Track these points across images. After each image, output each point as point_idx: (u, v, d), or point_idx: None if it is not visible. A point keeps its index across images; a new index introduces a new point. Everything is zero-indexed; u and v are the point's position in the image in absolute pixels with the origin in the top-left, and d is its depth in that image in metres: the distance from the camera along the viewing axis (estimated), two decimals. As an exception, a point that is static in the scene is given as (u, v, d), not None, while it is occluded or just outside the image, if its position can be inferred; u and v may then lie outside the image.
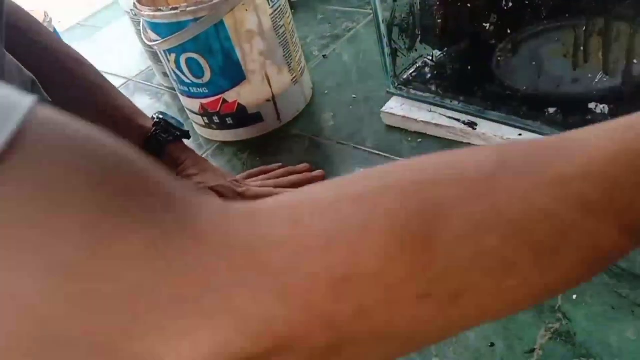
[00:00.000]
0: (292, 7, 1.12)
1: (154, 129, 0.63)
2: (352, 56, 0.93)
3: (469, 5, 0.63)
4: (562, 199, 0.19)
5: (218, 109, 0.77)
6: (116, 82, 1.07)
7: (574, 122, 0.60)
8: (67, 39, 0.90)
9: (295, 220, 0.18)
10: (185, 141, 0.67)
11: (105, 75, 1.13)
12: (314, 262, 0.17)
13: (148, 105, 0.97)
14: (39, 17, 0.80)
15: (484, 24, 0.66)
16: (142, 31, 0.75)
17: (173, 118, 0.65)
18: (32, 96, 0.17)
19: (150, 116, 0.65)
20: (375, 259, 0.18)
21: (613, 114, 0.57)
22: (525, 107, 0.64)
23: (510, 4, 0.64)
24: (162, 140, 0.63)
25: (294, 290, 0.17)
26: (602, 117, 0.59)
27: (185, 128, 0.66)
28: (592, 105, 0.60)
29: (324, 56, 0.95)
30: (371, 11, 1.02)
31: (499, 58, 0.68)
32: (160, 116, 0.64)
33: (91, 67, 0.63)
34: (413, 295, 0.18)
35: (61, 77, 0.59)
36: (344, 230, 0.18)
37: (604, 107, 0.59)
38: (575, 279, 0.20)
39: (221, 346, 0.17)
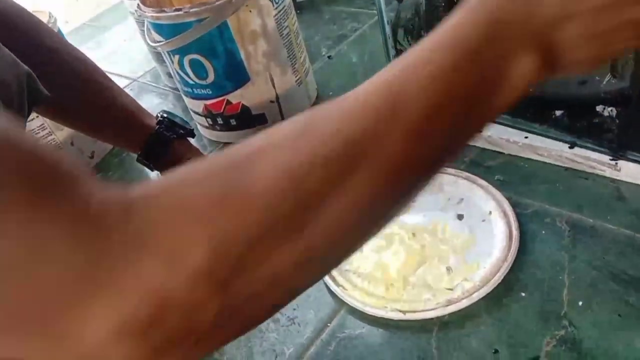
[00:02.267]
0: (297, 8, 1.12)
1: (157, 126, 0.62)
2: (357, 57, 0.93)
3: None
4: (359, 125, 0.24)
5: (222, 110, 0.76)
6: (121, 83, 1.07)
7: (581, 125, 0.59)
8: (73, 40, 0.90)
9: (180, 196, 0.22)
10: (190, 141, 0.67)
11: (111, 76, 1.13)
12: (193, 228, 0.21)
13: (153, 105, 0.97)
14: (44, 18, 0.80)
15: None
16: (146, 32, 0.74)
17: (178, 116, 0.65)
18: None
19: (155, 114, 0.65)
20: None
21: (620, 117, 0.56)
22: (531, 110, 0.63)
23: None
24: (165, 137, 0.62)
25: (178, 254, 0.20)
26: (610, 120, 0.58)
27: (190, 127, 0.66)
28: (599, 108, 0.59)
29: (329, 57, 0.95)
30: (376, 12, 1.01)
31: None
32: (165, 114, 0.64)
33: (96, 67, 0.63)
34: (267, 230, 0.22)
35: (67, 78, 0.59)
36: (223, 195, 0.22)
37: (611, 110, 0.58)
38: (387, 191, 0.24)
39: (124, 317, 0.20)
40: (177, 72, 0.75)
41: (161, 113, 0.64)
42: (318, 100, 0.84)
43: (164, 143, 0.62)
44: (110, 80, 0.63)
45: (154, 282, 0.20)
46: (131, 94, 1.03)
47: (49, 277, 0.19)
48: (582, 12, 0.25)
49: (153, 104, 0.98)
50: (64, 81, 0.59)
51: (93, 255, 0.20)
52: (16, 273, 0.19)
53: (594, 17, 0.25)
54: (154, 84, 1.04)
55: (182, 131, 0.63)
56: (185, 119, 0.65)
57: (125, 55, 1.18)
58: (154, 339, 0.20)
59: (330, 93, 0.85)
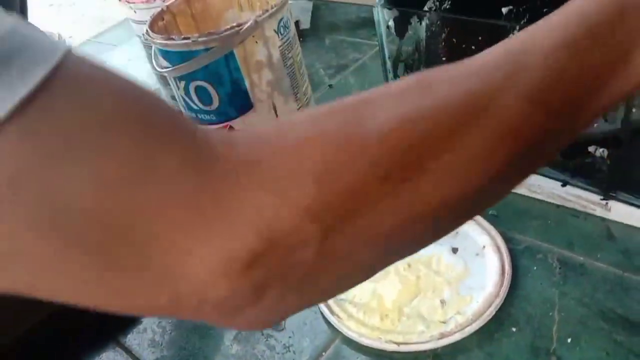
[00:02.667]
0: (300, 36, 1.14)
1: None
2: (357, 87, 0.95)
3: (472, 47, 0.65)
4: (479, 82, 0.23)
5: (224, 136, 0.78)
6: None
7: (573, 164, 0.61)
8: None
9: (282, 136, 0.22)
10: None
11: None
12: (304, 165, 0.21)
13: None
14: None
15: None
16: (152, 57, 0.76)
17: None
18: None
19: None
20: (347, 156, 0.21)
21: (611, 159, 0.58)
22: (526, 147, 0.65)
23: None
24: None
25: (288, 190, 0.20)
26: (601, 161, 0.60)
27: None
28: (591, 149, 0.61)
29: (330, 86, 0.97)
30: (378, 45, 1.04)
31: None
32: None
33: None
34: (377, 178, 0.21)
35: None
36: (323, 134, 0.22)
37: (603, 151, 0.60)
38: (499, 161, 0.23)
39: (230, 250, 0.19)
40: (182, 97, 0.77)
41: None
42: (318, 128, 0.86)
43: None
44: None
45: (263, 216, 0.20)
46: (134, 114, 1.05)
47: (156, 199, 0.19)
48: None
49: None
50: None
51: (201, 183, 0.19)
52: (122, 191, 0.18)
53: None
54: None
55: None
56: None
57: (129, 76, 1.20)
58: (256, 276, 0.20)
59: (331, 121, 0.87)
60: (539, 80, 0.23)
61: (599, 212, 0.59)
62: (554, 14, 0.26)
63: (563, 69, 0.24)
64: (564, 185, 0.62)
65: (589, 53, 0.25)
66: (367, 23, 1.15)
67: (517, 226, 0.60)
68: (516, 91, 0.23)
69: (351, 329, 0.53)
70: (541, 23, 0.26)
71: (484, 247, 0.58)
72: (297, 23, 1.14)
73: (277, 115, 0.78)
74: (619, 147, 0.58)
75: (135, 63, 1.23)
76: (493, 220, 0.61)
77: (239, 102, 0.75)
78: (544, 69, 0.24)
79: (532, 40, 0.25)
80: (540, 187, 0.62)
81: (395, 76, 0.73)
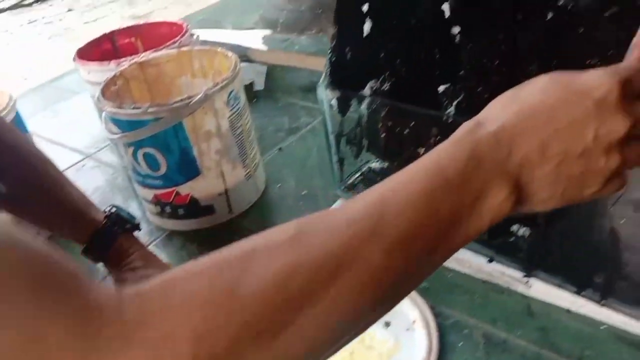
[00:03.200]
0: (254, 96, 1.18)
1: (105, 221, 0.65)
2: (306, 151, 0.98)
3: (407, 130, 0.69)
4: (347, 235, 0.27)
5: (171, 200, 0.80)
6: (75, 158, 1.09)
7: (498, 242, 0.65)
8: (31, 106, 0.91)
9: (165, 296, 0.24)
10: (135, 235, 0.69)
11: (66, 150, 1.15)
12: (180, 326, 0.23)
13: (103, 184, 0.99)
14: (3, 99, 0.82)
15: (422, 145, 0.72)
16: (103, 120, 0.78)
17: (125, 211, 0.68)
18: None
19: (104, 209, 0.67)
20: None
21: (532, 238, 0.63)
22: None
23: (450, 120, 0.70)
24: (111, 232, 0.65)
25: (168, 352, 0.23)
26: (523, 240, 0.64)
27: (137, 221, 0.69)
28: (514, 228, 0.65)
29: (279, 149, 1.00)
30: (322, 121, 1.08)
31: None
32: (113, 209, 0.67)
33: (50, 162, 0.65)
34: (251, 338, 0.24)
35: (23, 172, 0.62)
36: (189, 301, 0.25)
37: (525, 230, 0.65)
38: (363, 307, 0.27)
39: None
40: (131, 162, 0.78)
41: (110, 207, 0.66)
42: (266, 191, 0.89)
43: (109, 238, 0.64)
44: (62, 175, 0.66)
45: None
46: (84, 170, 1.05)
47: None
48: (553, 159, 0.30)
49: (104, 183, 1.00)
50: (19, 174, 0.61)
51: (87, 350, 0.22)
52: None
53: (564, 165, 0.30)
54: (107, 162, 1.06)
55: (128, 226, 0.66)
56: (132, 214, 0.68)
57: (82, 129, 1.20)
58: None
59: (279, 185, 0.90)
60: (399, 232, 0.27)
61: (520, 289, 0.63)
62: (415, 164, 0.30)
63: (420, 219, 0.28)
64: (490, 261, 0.66)
65: (445, 201, 0.29)
66: (319, 87, 1.20)
67: (446, 300, 0.64)
68: (378, 244, 0.27)
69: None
70: (403, 173, 0.30)
71: (414, 321, 0.61)
72: (251, 84, 1.18)
73: (224, 182, 0.80)
74: (538, 228, 0.63)
75: (89, 115, 1.24)
76: (424, 293, 0.64)
77: (186, 168, 0.77)
78: (404, 220, 0.28)
79: (394, 193, 0.29)
80: (469, 262, 0.66)
81: (338, 150, 0.76)
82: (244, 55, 1.16)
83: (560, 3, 0.58)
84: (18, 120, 0.83)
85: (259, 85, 1.19)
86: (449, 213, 0.29)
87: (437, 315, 0.61)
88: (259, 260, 0.26)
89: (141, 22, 1.16)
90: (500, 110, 0.32)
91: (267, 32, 1.40)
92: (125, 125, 0.73)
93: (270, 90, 1.20)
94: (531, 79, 0.34)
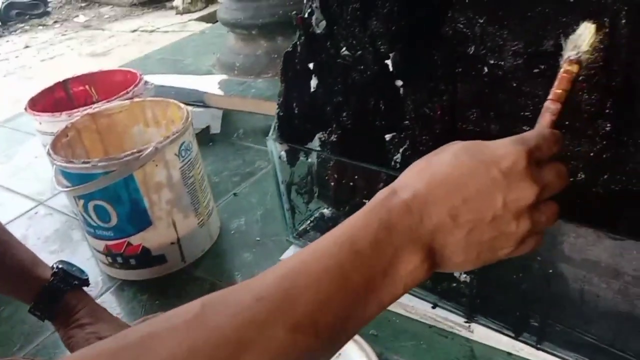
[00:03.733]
0: (210, 140, 1.20)
1: (52, 278, 0.65)
2: (260, 196, 1.00)
3: (352, 182, 0.72)
4: (252, 313, 0.27)
5: (122, 251, 0.79)
6: (27, 205, 1.07)
7: (441, 288, 0.68)
8: None
9: None
10: (90, 279, 0.68)
11: (17, 197, 1.13)
12: None
13: (55, 233, 0.98)
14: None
15: (368, 194, 0.75)
16: (54, 173, 0.78)
17: (74, 266, 0.68)
18: None
19: (51, 265, 0.67)
20: None
21: (473, 284, 0.66)
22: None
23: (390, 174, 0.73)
24: (58, 289, 0.64)
25: None
26: (465, 286, 0.67)
27: (85, 276, 0.68)
28: (456, 274, 0.68)
29: (234, 194, 1.01)
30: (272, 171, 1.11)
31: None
32: (60, 265, 0.66)
33: None
34: None
35: None
36: None
37: (466, 277, 0.68)
38: None
39: None
40: (81, 214, 0.78)
41: (57, 264, 0.66)
42: (220, 238, 0.89)
43: (57, 295, 0.64)
44: (7, 233, 0.66)
45: None
46: (36, 218, 1.04)
47: None
48: (464, 226, 0.32)
49: (57, 230, 0.98)
50: None
51: None
52: None
53: (476, 231, 0.32)
54: (59, 210, 1.04)
55: (75, 282, 0.65)
56: (81, 269, 0.68)
57: (34, 174, 1.19)
58: None
59: (232, 232, 0.91)
60: (306, 307, 0.28)
61: (463, 333, 0.66)
62: (328, 235, 0.31)
63: (330, 291, 0.28)
64: (434, 307, 0.68)
65: (356, 272, 0.29)
66: (275, 130, 1.22)
67: (393, 347, 0.65)
68: (283, 320, 0.27)
69: None
70: (316, 244, 0.30)
71: (362, 369, 0.62)
72: (207, 128, 1.20)
73: (176, 231, 0.81)
74: (476, 273, 0.66)
75: (40, 161, 1.22)
76: (374, 340, 0.65)
77: (137, 219, 0.77)
78: (312, 294, 0.28)
79: (304, 265, 0.29)
80: (414, 308, 0.69)
81: (289, 198, 0.78)
82: (201, 100, 1.18)
83: (492, 62, 0.63)
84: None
85: (215, 129, 1.20)
86: (360, 283, 0.29)
87: (383, 362, 0.63)
88: (156, 346, 0.26)
89: (96, 67, 1.16)
90: (414, 178, 0.34)
91: (224, 76, 1.42)
92: (75, 179, 0.74)
93: (226, 133, 1.22)
94: (445, 145, 0.36)
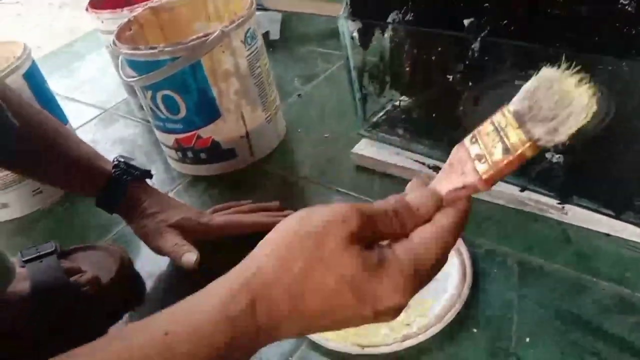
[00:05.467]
0: (270, 46, 1.15)
1: (113, 170, 0.64)
2: (325, 96, 0.96)
3: (433, 57, 0.67)
4: None
5: (192, 144, 0.78)
6: (93, 113, 1.08)
7: (531, 170, 0.63)
8: (46, 67, 0.90)
9: None
10: (159, 178, 0.68)
11: (83, 106, 1.15)
12: None
13: (123, 137, 0.98)
14: (18, 49, 0.81)
15: (450, 75, 0.70)
16: (120, 66, 0.76)
17: (134, 160, 0.67)
18: None
19: (112, 159, 0.67)
20: None
21: (566, 164, 0.61)
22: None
23: (476, 55, 0.68)
24: (122, 181, 0.64)
25: None
26: (558, 167, 0.62)
27: (147, 168, 0.68)
28: (548, 155, 0.63)
29: (298, 95, 0.98)
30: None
31: (463, 105, 0.72)
32: (121, 159, 0.66)
33: (53, 119, 0.66)
34: None
35: (36, 130, 0.62)
36: None
37: (559, 157, 0.62)
38: None
39: None
40: (150, 107, 0.77)
41: (117, 157, 0.66)
42: (287, 137, 0.87)
43: (120, 186, 0.63)
44: (67, 129, 0.66)
45: None
46: (102, 124, 1.04)
47: None
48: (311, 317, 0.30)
49: (124, 135, 0.99)
50: (28, 135, 0.61)
51: None
52: None
53: (309, 304, 0.30)
54: (125, 115, 1.05)
55: (137, 173, 0.65)
56: (141, 165, 0.67)
57: (98, 85, 1.19)
58: None
59: (299, 130, 0.88)
60: None
61: (556, 215, 0.61)
62: (194, 313, 0.30)
63: None
64: (522, 190, 0.64)
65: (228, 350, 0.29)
66: (336, 34, 1.16)
67: (478, 230, 0.62)
68: None
69: (317, 333, 0.54)
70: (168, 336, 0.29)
71: (446, 251, 0.59)
72: (266, 34, 1.15)
73: (245, 124, 0.78)
74: (573, 154, 0.61)
75: (104, 72, 1.23)
76: (455, 226, 0.62)
77: (206, 111, 0.75)
78: None
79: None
80: (499, 192, 0.64)
81: (361, 86, 0.74)
82: (259, 3, 1.13)
83: None
84: (34, 69, 0.82)
85: (275, 35, 1.16)
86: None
87: (469, 244, 0.60)
88: None
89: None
90: (265, 259, 0.31)
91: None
92: (142, 68, 0.72)
93: (285, 39, 1.17)
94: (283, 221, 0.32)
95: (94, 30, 1.56)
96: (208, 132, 0.77)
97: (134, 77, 0.73)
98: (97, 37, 1.48)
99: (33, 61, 0.82)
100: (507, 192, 0.64)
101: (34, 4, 2.78)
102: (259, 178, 0.80)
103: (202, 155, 0.79)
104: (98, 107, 1.10)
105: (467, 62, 0.68)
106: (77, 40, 1.59)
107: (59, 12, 2.55)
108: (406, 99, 0.78)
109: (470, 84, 0.69)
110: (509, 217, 0.63)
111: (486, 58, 0.63)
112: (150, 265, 0.67)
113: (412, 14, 0.71)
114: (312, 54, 1.11)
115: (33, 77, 0.81)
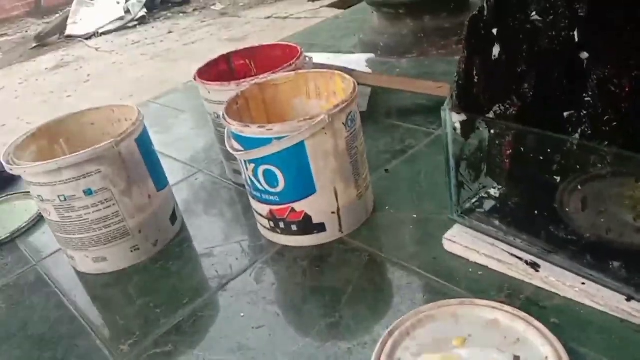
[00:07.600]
0: (357, 118, 1.19)
1: None
2: (413, 174, 0.97)
3: (531, 155, 0.67)
4: None
5: (285, 216, 0.81)
6: (186, 172, 1.14)
7: (637, 281, 0.61)
8: (145, 120, 0.94)
9: None
10: (249, 244, 0.70)
11: (176, 164, 1.21)
12: None
13: (214, 200, 1.03)
14: (132, 115, 0.87)
15: (549, 169, 0.69)
16: (225, 137, 0.81)
17: None
18: None
19: None
20: None
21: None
22: (588, 256, 0.65)
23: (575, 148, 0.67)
24: None
25: None
26: (669, 279, 0.60)
27: None
28: (657, 265, 0.61)
29: (386, 170, 1.00)
30: (433, 130, 1.07)
31: (562, 198, 0.71)
32: None
33: None
34: None
35: None
36: None
37: (670, 268, 0.60)
38: None
39: None
40: (250, 178, 0.81)
41: None
42: (375, 213, 0.88)
43: None
44: None
45: None
46: (196, 184, 1.09)
47: None
48: None
49: (215, 198, 1.03)
50: None
51: None
52: None
53: None
54: (217, 177, 1.10)
55: None
56: None
57: (191, 144, 1.26)
58: None
59: (387, 207, 0.89)
60: None
61: (666, 331, 0.58)
62: None
63: None
64: (628, 299, 0.61)
65: None
66: (422, 110, 1.19)
67: (580, 338, 0.60)
68: None
69: None
70: None
71: (546, 357, 0.57)
72: (355, 106, 1.19)
73: (337, 200, 0.81)
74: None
75: (198, 132, 1.30)
76: (555, 330, 0.60)
77: (303, 186, 0.78)
78: None
79: None
80: (604, 299, 0.62)
81: (457, 174, 0.75)
82: (349, 77, 1.18)
83: None
84: (145, 133, 0.88)
85: (362, 107, 1.19)
86: None
87: (570, 353, 0.58)
88: None
89: (241, 45, 1.20)
90: None
91: (371, 55, 1.41)
92: (249, 143, 0.76)
93: (373, 112, 1.20)
94: None
95: (184, 85, 1.66)
96: (302, 206, 0.80)
97: (240, 150, 0.77)
98: (186, 92, 1.58)
99: (144, 126, 0.88)
100: (612, 300, 0.62)
101: (128, 54, 3.01)
102: (346, 254, 0.81)
103: (294, 227, 0.82)
104: (192, 165, 1.16)
105: (565, 157, 0.68)
106: (169, 92, 1.69)
107: (151, 63, 2.74)
108: (500, 187, 0.78)
109: (572, 174, 0.68)
110: (613, 326, 0.60)
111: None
112: None
113: (515, 108, 0.72)
114: (398, 129, 1.13)
115: (144, 141, 0.87)
